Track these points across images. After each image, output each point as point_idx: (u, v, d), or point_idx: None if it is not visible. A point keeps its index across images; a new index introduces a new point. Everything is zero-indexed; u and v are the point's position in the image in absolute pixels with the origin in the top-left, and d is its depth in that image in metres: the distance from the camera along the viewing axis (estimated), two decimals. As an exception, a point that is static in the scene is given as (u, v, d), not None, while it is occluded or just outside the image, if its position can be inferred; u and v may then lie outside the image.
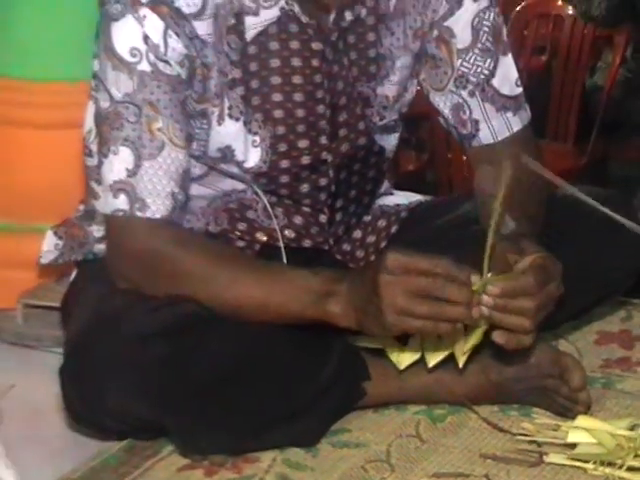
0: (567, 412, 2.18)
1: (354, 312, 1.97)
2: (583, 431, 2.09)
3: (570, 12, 4.46)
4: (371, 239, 2.38)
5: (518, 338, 1.96)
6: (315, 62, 2.15)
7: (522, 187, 2.22)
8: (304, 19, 2.11)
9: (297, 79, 2.15)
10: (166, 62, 2.04)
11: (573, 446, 2.09)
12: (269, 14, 2.09)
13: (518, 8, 4.50)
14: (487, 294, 1.92)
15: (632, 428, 2.10)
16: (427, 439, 2.18)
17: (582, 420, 2.12)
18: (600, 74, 4.62)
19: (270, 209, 2.22)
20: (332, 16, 2.13)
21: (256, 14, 2.09)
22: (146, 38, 2.03)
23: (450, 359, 2.11)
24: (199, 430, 2.08)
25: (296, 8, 2.09)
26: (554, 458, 2.08)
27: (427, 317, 1.89)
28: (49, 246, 2.32)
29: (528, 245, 2.02)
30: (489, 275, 1.94)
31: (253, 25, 2.09)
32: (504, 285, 1.93)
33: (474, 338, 2.04)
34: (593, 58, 4.54)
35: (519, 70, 2.35)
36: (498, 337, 1.96)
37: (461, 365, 2.10)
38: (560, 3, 4.55)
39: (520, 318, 1.95)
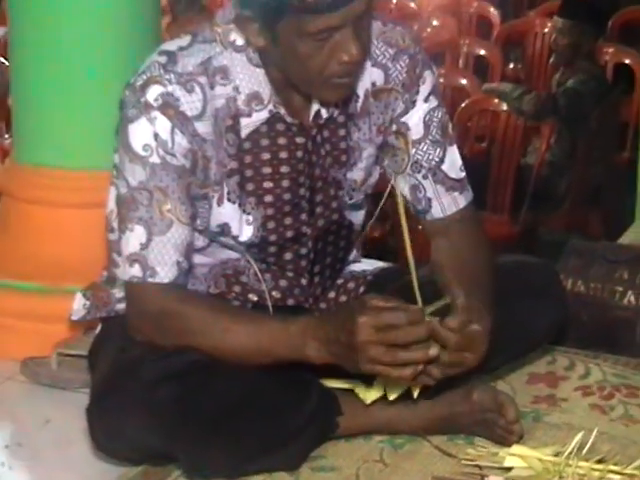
0: (504, 441, 2.19)
1: (331, 355, 2.00)
2: (517, 457, 2.12)
3: (505, 108, 4.49)
4: (343, 298, 2.37)
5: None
6: (299, 153, 2.16)
7: (473, 250, 2.26)
8: (289, 119, 2.12)
9: (284, 168, 2.16)
10: (173, 155, 2.06)
11: (509, 469, 2.11)
12: (260, 116, 2.11)
13: (463, 105, 4.53)
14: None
15: (557, 454, 2.12)
16: (389, 463, 2.18)
17: (516, 448, 2.15)
18: (530, 156, 4.66)
19: (260, 274, 2.23)
20: (311, 115, 2.14)
21: (249, 116, 2.11)
22: (156, 135, 2.05)
23: (407, 392, 2.12)
24: (203, 457, 2.09)
25: (282, 110, 2.11)
26: (494, 479, 2.09)
27: (393, 364, 1.94)
28: (78, 305, 2.32)
29: (463, 301, 2.04)
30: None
31: (247, 125, 2.11)
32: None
33: None
34: (524, 143, 4.57)
35: (463, 155, 2.35)
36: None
37: (415, 396, 2.10)
38: (496, 101, 4.59)
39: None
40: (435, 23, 6.64)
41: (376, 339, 1.93)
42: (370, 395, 2.17)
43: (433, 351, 1.94)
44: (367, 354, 1.93)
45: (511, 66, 6.41)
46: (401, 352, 1.93)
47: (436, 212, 2.29)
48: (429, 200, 2.28)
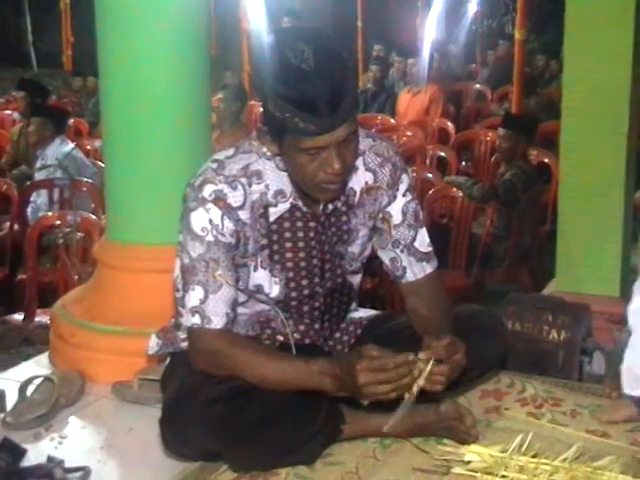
0: (464, 441, 2.17)
1: (341, 388, 1.98)
2: (474, 453, 2.10)
3: (460, 194, 4.50)
4: (345, 338, 2.35)
5: (434, 386, 1.99)
6: (312, 234, 2.16)
7: (438, 304, 2.25)
8: (304, 209, 2.12)
9: (301, 244, 2.15)
10: (222, 234, 2.06)
11: (469, 462, 2.09)
12: (284, 206, 2.11)
13: (430, 192, 4.54)
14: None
15: (503, 451, 2.09)
16: (380, 459, 2.17)
17: (473, 447, 2.14)
18: (478, 228, 4.65)
19: (285, 321, 2.21)
20: (321, 207, 2.14)
21: (275, 206, 2.11)
22: (211, 221, 2.05)
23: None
24: (244, 456, 2.08)
25: (300, 203, 2.11)
26: (457, 470, 2.09)
27: (385, 394, 1.94)
28: (153, 343, 2.31)
29: (444, 334, 2.03)
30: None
31: (274, 213, 2.11)
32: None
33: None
34: (474, 219, 4.57)
35: (430, 228, 2.33)
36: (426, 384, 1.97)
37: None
38: (454, 189, 4.60)
39: (440, 377, 1.98)
40: (408, 133, 6.66)
41: (370, 380, 1.92)
42: None
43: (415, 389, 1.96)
44: (365, 390, 1.94)
45: (463, 164, 6.42)
46: (389, 386, 1.93)
47: (409, 277, 2.26)
48: (404, 268, 2.26)
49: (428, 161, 5.93)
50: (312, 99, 1.88)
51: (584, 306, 2.83)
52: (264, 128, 2.02)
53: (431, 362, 1.96)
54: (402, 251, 2.25)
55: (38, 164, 5.20)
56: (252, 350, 2.08)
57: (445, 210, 4.86)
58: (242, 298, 2.17)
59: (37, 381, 2.54)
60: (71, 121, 6.58)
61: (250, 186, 2.08)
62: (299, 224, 2.14)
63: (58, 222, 3.91)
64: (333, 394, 2.01)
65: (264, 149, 2.08)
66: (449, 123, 7.15)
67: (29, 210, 4.79)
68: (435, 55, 8.41)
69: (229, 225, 2.06)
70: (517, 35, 6.40)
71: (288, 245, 2.14)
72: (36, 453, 2.19)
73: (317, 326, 2.26)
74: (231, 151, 2.12)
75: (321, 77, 1.88)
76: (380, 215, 2.23)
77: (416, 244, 2.25)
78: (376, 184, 2.20)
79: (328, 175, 1.97)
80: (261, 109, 2.10)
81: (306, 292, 2.19)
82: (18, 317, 3.84)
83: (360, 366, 1.92)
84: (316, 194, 2.06)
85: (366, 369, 1.92)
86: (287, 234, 2.14)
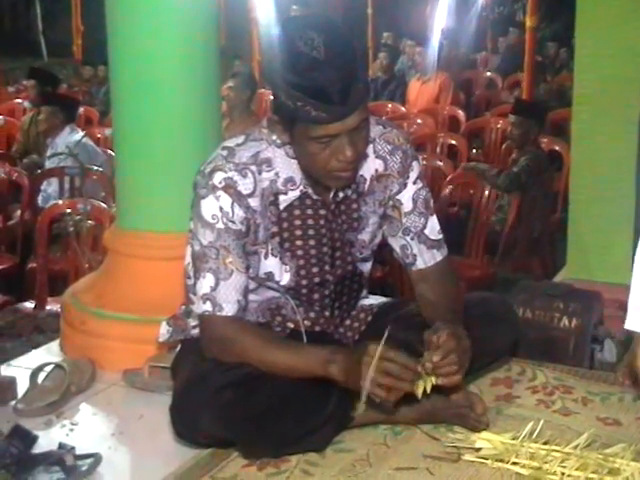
0: (475, 429, 2.17)
1: (345, 376, 1.98)
2: (485, 440, 2.10)
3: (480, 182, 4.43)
4: (356, 325, 2.35)
5: (451, 379, 1.99)
6: (322, 222, 2.16)
7: (447, 292, 2.24)
8: (315, 197, 2.12)
9: (311, 232, 2.15)
10: (233, 222, 2.06)
11: (479, 449, 2.09)
12: (294, 194, 2.11)
13: (448, 179, 4.49)
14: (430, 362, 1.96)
15: (514, 438, 2.09)
16: (391, 446, 2.16)
17: (484, 434, 2.13)
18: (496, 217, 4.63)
19: (295, 309, 2.21)
20: (331, 195, 2.14)
21: (286, 194, 2.11)
22: (221, 208, 2.05)
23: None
24: (255, 442, 2.07)
25: (310, 190, 2.11)
26: (468, 457, 2.08)
27: (382, 397, 1.95)
28: (163, 331, 2.32)
29: (441, 326, 2.02)
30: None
31: (284, 200, 2.11)
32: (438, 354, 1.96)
33: (423, 385, 2.00)
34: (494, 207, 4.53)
35: (440, 218, 2.32)
36: (441, 381, 1.99)
37: (419, 398, 2.03)
38: (475, 178, 4.53)
39: (451, 367, 1.98)
40: (419, 121, 6.64)
41: (374, 379, 1.93)
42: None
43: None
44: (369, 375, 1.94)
45: (474, 152, 6.40)
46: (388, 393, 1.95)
47: (419, 264, 2.26)
48: (414, 256, 2.25)
49: (438, 149, 5.91)
50: (323, 87, 1.88)
51: (595, 294, 2.83)
52: (275, 117, 2.02)
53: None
54: (412, 239, 2.24)
55: (48, 152, 5.21)
56: (262, 337, 2.09)
57: (458, 198, 4.82)
58: (252, 285, 2.17)
59: (48, 368, 2.55)
60: (81, 110, 6.59)
61: (260, 174, 2.07)
62: (309, 212, 2.14)
63: (69, 210, 3.91)
64: (341, 383, 2.01)
65: (274, 137, 2.08)
66: (459, 111, 7.13)
67: (40, 198, 4.80)
68: (445, 43, 8.39)
69: (239, 212, 2.05)
70: (528, 22, 6.38)
71: (298, 233, 2.14)
72: (47, 440, 2.19)
73: (327, 313, 2.26)
74: (241, 139, 2.11)
75: (332, 65, 1.87)
76: (390, 203, 2.23)
77: (426, 232, 2.25)
78: (386, 172, 2.19)
79: (340, 163, 1.97)
80: (271, 97, 2.10)
81: (316, 280, 2.19)
82: (29, 305, 3.85)
83: (364, 360, 1.93)
84: (328, 182, 2.06)
85: (370, 364, 1.92)
86: (297, 222, 2.14)
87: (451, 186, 4.39)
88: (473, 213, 4.39)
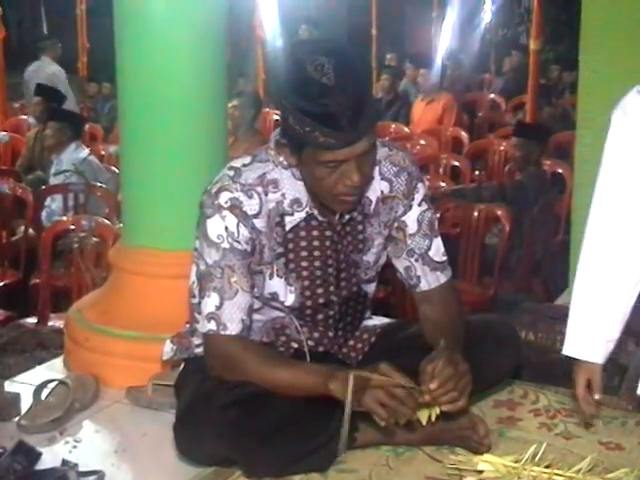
0: (477, 451, 2.17)
1: (346, 393, 1.98)
2: (487, 463, 2.09)
3: (482, 206, 4.41)
4: (359, 345, 2.35)
5: (455, 405, 1.98)
6: (327, 243, 2.16)
7: (450, 313, 2.25)
8: (320, 218, 2.13)
9: (316, 253, 2.16)
10: (238, 242, 2.06)
11: (481, 472, 2.08)
12: (300, 215, 2.12)
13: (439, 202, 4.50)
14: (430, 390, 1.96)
15: (516, 461, 2.09)
16: (393, 467, 2.16)
17: (486, 456, 2.13)
18: (491, 238, 4.59)
19: (299, 329, 2.22)
20: (337, 216, 2.15)
21: (292, 215, 2.12)
22: (226, 228, 2.06)
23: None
24: (258, 462, 2.07)
25: (315, 212, 2.12)
26: (469, 479, 2.08)
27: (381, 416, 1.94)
28: (167, 349, 2.32)
29: (436, 355, 2.01)
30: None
31: (290, 221, 2.12)
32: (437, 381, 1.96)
33: (428, 413, 2.02)
34: (488, 229, 4.51)
35: (444, 240, 2.32)
36: (446, 408, 1.98)
37: (424, 424, 2.04)
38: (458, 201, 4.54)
39: (451, 395, 1.97)
40: (422, 142, 6.66)
41: (375, 396, 1.94)
42: None
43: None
44: (367, 401, 1.95)
45: (476, 173, 6.41)
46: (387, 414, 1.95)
47: (423, 286, 2.26)
48: (418, 277, 2.26)
49: (441, 170, 5.92)
50: (333, 114, 1.88)
51: (597, 317, 2.82)
52: (283, 140, 2.03)
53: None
54: (417, 260, 2.25)
55: (53, 169, 5.22)
56: (263, 355, 2.09)
57: (457, 220, 4.82)
58: (257, 305, 2.18)
59: (52, 385, 2.55)
60: (86, 126, 6.61)
61: (266, 195, 2.08)
62: (315, 233, 2.15)
63: (72, 227, 3.92)
64: (342, 400, 2.00)
65: (281, 158, 2.09)
66: (463, 132, 7.15)
67: (44, 214, 4.81)
68: (449, 64, 8.41)
69: (244, 232, 2.06)
70: (532, 45, 6.39)
71: (304, 254, 2.15)
72: (51, 456, 2.20)
73: (331, 334, 2.26)
74: (248, 159, 2.13)
75: (342, 92, 1.88)
76: (395, 224, 2.23)
77: (431, 253, 2.25)
78: (392, 193, 2.20)
79: (347, 187, 1.98)
80: (279, 119, 2.11)
81: (321, 301, 2.20)
82: (32, 321, 3.85)
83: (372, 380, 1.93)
84: (334, 205, 2.07)
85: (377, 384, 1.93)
86: (303, 243, 2.14)
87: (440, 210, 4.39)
88: (464, 234, 4.38)
